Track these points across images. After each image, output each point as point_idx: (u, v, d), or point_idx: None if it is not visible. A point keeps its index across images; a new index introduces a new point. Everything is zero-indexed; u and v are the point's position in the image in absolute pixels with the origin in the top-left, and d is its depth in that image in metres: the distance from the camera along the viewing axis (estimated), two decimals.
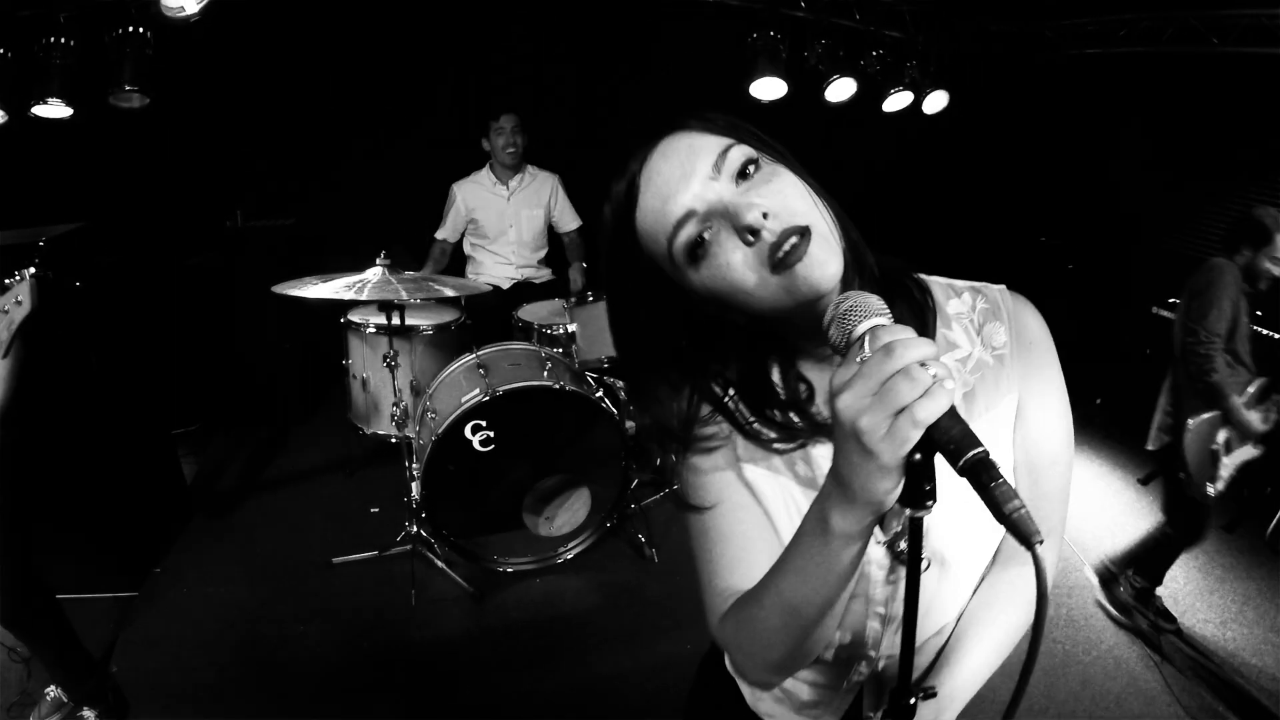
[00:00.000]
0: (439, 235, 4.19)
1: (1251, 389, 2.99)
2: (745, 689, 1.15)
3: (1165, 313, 4.51)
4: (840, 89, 4.82)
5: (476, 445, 2.92)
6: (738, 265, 0.79)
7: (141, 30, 3.71)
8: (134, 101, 3.85)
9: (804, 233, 0.77)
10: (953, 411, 0.63)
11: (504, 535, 3.22)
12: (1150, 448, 3.17)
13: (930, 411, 0.61)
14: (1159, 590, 3.26)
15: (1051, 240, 5.42)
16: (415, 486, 2.98)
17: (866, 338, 0.67)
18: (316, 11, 4.38)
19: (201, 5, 3.28)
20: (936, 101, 5.05)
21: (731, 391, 0.94)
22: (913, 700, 0.81)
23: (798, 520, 0.79)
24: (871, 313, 0.69)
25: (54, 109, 3.65)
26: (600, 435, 3.23)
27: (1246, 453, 3.02)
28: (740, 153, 0.81)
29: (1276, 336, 3.80)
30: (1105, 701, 2.80)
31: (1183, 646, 3.11)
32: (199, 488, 3.80)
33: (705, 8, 4.56)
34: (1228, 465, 2.98)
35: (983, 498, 0.61)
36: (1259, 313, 3.09)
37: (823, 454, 0.91)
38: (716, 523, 0.92)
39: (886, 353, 0.63)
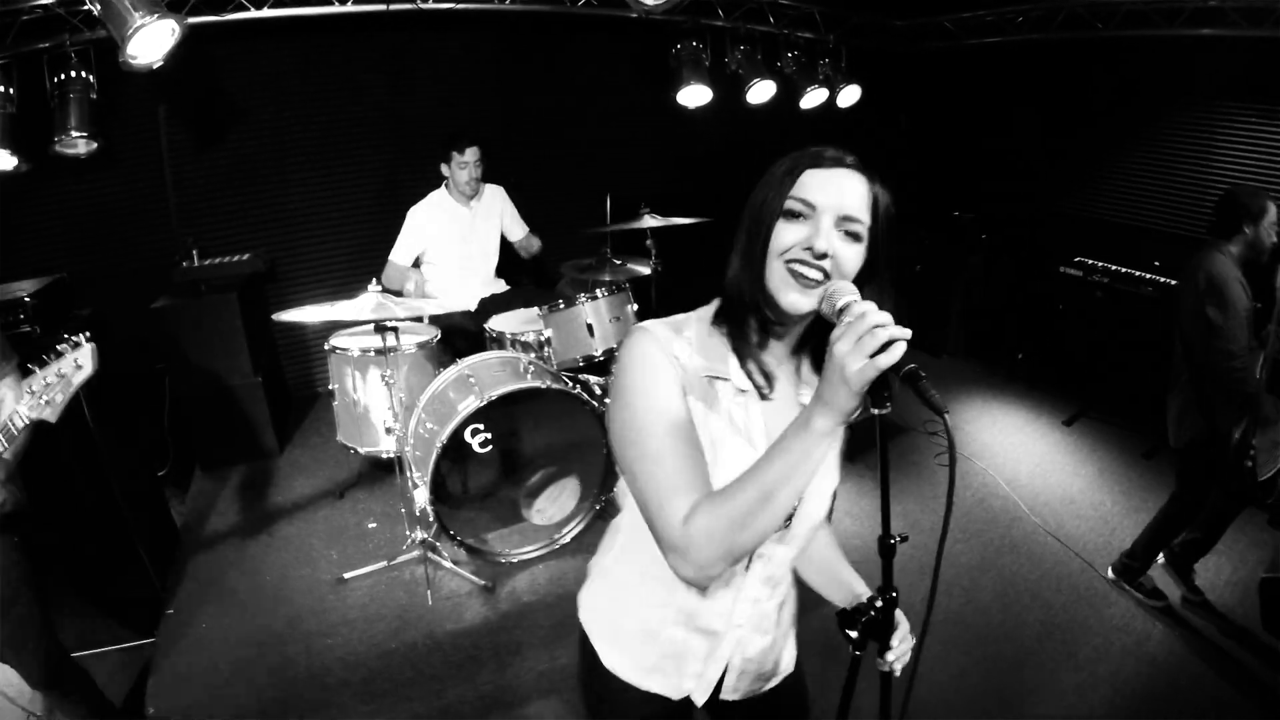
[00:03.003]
0: (393, 258, 4.23)
1: (1260, 362, 2.94)
2: (603, 646, 1.45)
3: (1072, 270, 4.99)
4: (761, 91, 5.14)
5: (476, 448, 3.12)
6: (789, 238, 1.15)
7: (84, 74, 3.74)
8: (80, 148, 3.86)
9: (828, 275, 1.14)
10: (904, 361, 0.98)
11: (504, 530, 3.46)
12: (1174, 445, 3.22)
13: (886, 361, 0.96)
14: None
15: (964, 214, 5.86)
16: (420, 494, 3.14)
17: (847, 307, 1.04)
18: (255, 50, 4.48)
19: (165, 53, 3.34)
20: (850, 96, 5.44)
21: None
22: (892, 541, 1.15)
23: (732, 456, 1.20)
24: (847, 292, 1.08)
25: None
26: (581, 427, 3.49)
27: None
28: (858, 230, 1.16)
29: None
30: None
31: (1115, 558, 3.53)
32: (192, 527, 3.85)
33: (630, 23, 4.80)
34: (1265, 441, 2.99)
35: (913, 390, 0.97)
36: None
37: (756, 413, 1.25)
38: (673, 447, 1.16)
39: (861, 319, 0.98)
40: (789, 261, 1.14)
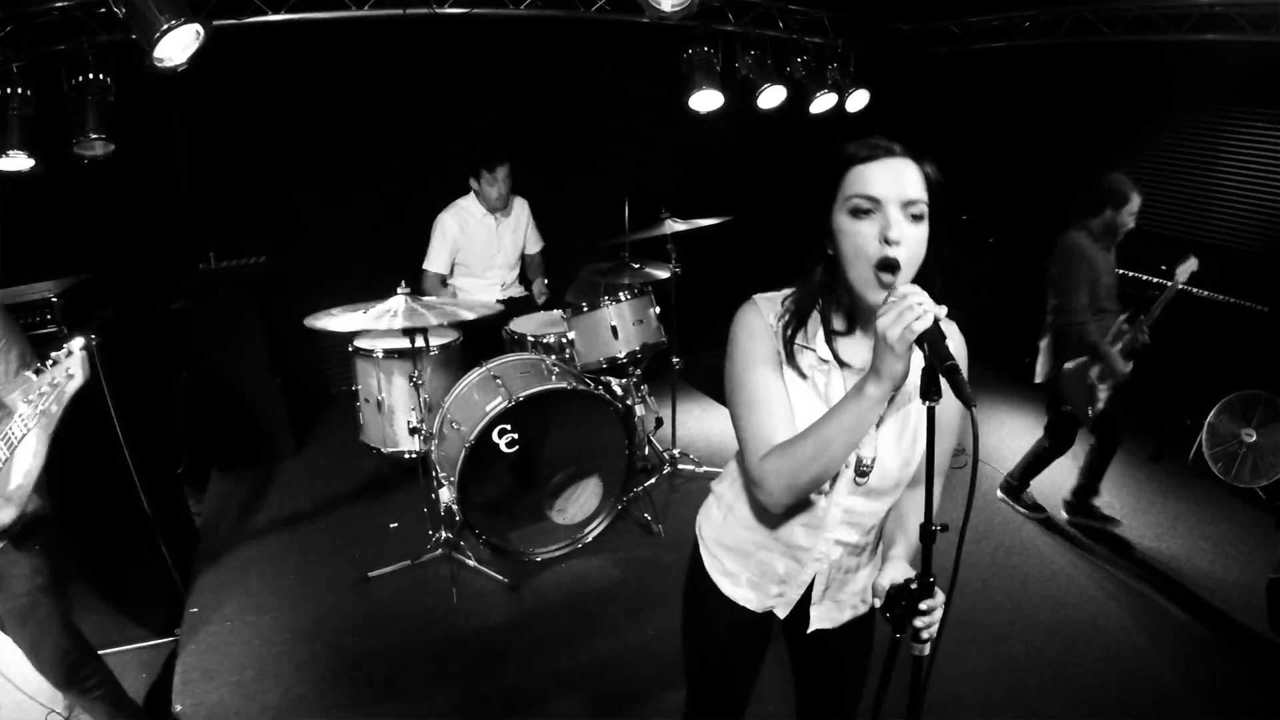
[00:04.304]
0: (431, 269, 4.26)
1: (1115, 326, 3.64)
2: (707, 555, 1.70)
3: None
4: (771, 96, 5.17)
5: (503, 448, 3.16)
6: (867, 240, 1.29)
7: (101, 76, 3.75)
8: (97, 150, 3.87)
9: (898, 268, 1.27)
10: (936, 330, 1.16)
11: (527, 529, 3.51)
12: (1037, 381, 3.84)
13: (919, 327, 1.16)
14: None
15: (972, 218, 5.90)
16: (446, 493, 3.18)
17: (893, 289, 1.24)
18: (271, 53, 4.50)
19: (190, 54, 3.36)
20: (858, 100, 5.47)
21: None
22: (934, 529, 1.28)
23: (808, 413, 1.38)
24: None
25: (15, 162, 3.61)
26: (605, 429, 3.53)
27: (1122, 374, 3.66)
28: (921, 209, 1.29)
29: (1129, 274, 4.52)
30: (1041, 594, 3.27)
31: (1125, 559, 3.59)
32: (211, 527, 3.88)
33: (643, 28, 4.83)
34: (1104, 390, 3.63)
35: (950, 382, 1.14)
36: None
37: (836, 381, 1.42)
38: (762, 398, 1.41)
39: (900, 296, 1.19)
40: (875, 262, 1.28)
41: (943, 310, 1.18)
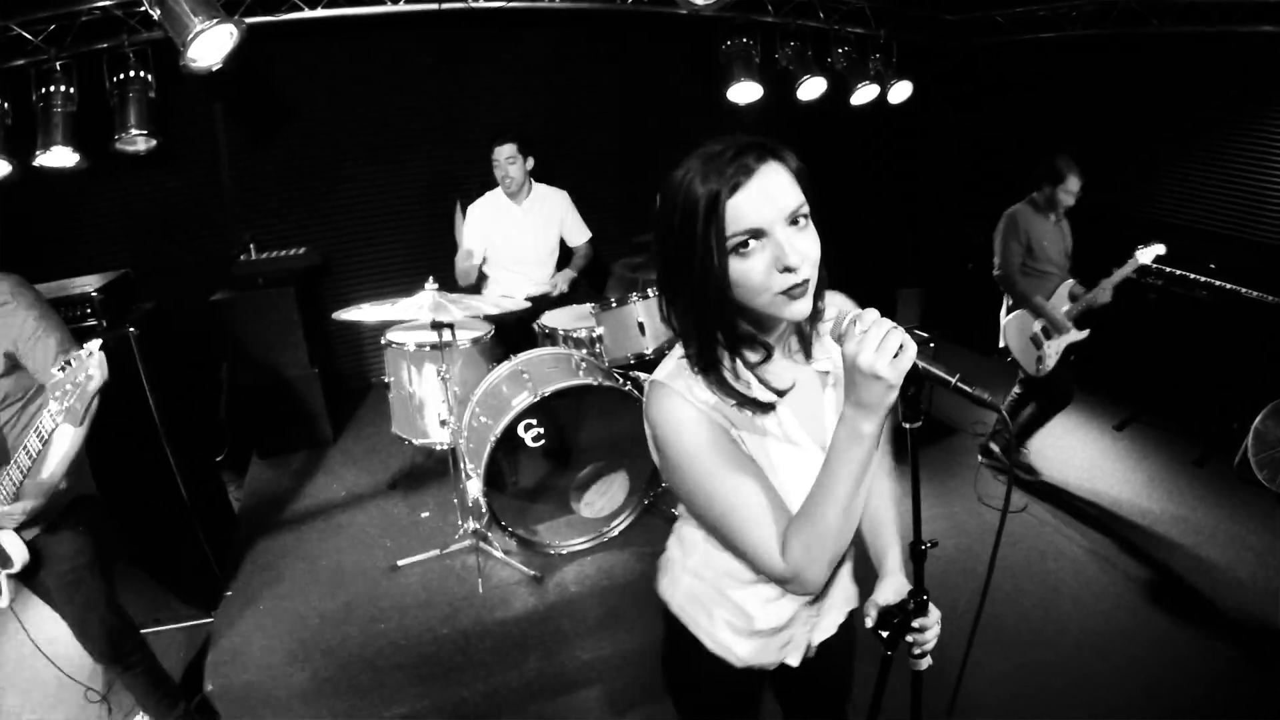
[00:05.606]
0: (460, 260, 4.25)
1: (1067, 289, 3.97)
2: (704, 633, 1.49)
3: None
4: (811, 88, 5.12)
5: (529, 442, 3.19)
6: (764, 276, 1.13)
7: (142, 73, 3.86)
8: (140, 145, 4.00)
9: (809, 282, 1.14)
10: (923, 354, 1.08)
11: (554, 522, 3.55)
12: (1001, 345, 4.14)
13: (910, 354, 1.04)
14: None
15: None
16: (474, 485, 3.22)
17: (853, 322, 1.08)
18: (309, 48, 4.58)
19: (224, 55, 3.43)
20: (901, 91, 5.39)
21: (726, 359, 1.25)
22: (923, 547, 1.27)
23: (785, 463, 1.26)
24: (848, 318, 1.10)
25: (59, 157, 3.75)
26: (631, 423, 3.53)
27: (1071, 335, 3.92)
28: (804, 209, 1.14)
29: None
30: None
31: (1162, 568, 3.50)
32: (249, 513, 4.00)
33: (681, 20, 4.80)
34: (1050, 347, 3.90)
35: (967, 398, 1.07)
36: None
37: (788, 414, 1.29)
38: (746, 499, 1.20)
39: (878, 327, 1.04)
40: (780, 289, 1.13)
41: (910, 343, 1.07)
